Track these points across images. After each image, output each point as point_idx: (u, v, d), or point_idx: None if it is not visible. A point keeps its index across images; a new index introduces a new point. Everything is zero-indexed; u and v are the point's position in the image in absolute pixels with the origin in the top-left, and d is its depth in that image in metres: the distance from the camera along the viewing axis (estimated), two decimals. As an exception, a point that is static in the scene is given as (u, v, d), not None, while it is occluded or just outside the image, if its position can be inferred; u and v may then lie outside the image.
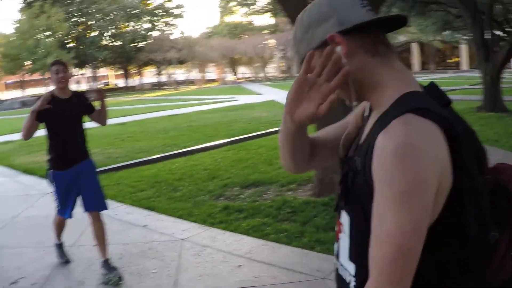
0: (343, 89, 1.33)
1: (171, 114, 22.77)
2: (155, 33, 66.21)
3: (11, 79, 62.67)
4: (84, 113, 5.13)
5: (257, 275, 4.71)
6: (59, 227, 5.40)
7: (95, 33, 62.95)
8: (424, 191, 1.09)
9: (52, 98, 4.85)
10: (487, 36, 15.75)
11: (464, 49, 49.18)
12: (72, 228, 5.65)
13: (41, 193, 8.34)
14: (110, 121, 17.69)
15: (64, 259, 5.44)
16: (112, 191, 8.18)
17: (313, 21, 1.36)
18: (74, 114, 5.01)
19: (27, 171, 10.99)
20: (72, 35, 60.35)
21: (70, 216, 5.16)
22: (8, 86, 65.00)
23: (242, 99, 29.36)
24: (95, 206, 5.06)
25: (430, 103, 1.20)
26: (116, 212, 7.05)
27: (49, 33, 55.60)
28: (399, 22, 1.36)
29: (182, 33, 78.04)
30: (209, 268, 4.95)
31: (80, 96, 5.22)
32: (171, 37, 66.65)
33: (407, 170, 1.08)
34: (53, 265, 5.39)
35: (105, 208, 5.11)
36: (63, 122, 4.93)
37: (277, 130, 1.54)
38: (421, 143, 1.10)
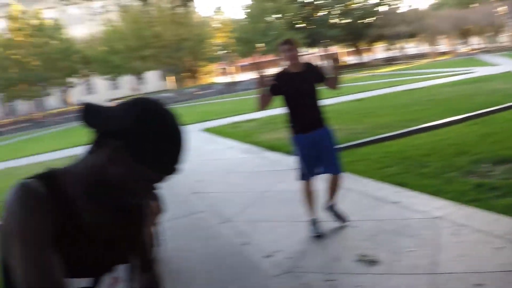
0: None
1: (408, 88, 22.37)
2: (382, 8, 65.42)
3: (245, 61, 66.96)
4: (316, 81, 5.47)
5: (520, 258, 4.38)
6: (309, 199, 5.63)
7: (323, 12, 64.11)
8: None
9: (283, 74, 5.39)
10: None
11: None
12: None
13: (288, 169, 8.14)
14: (348, 98, 18.05)
15: (318, 234, 5.57)
16: (358, 166, 8.30)
17: None
18: (306, 84, 5.40)
19: (272, 147, 11.60)
20: (300, 16, 62.21)
21: (312, 176, 5.56)
22: (243, 68, 69.51)
23: (478, 71, 27.61)
24: (332, 169, 5.48)
25: None
26: (366, 188, 7.14)
27: (278, 15, 58.02)
28: None
29: (410, 6, 76.15)
30: (468, 248, 4.72)
31: (312, 67, 5.56)
32: (399, 10, 65.45)
33: None
34: (306, 239, 5.58)
35: (340, 171, 5.52)
36: (295, 93, 5.36)
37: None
38: None
